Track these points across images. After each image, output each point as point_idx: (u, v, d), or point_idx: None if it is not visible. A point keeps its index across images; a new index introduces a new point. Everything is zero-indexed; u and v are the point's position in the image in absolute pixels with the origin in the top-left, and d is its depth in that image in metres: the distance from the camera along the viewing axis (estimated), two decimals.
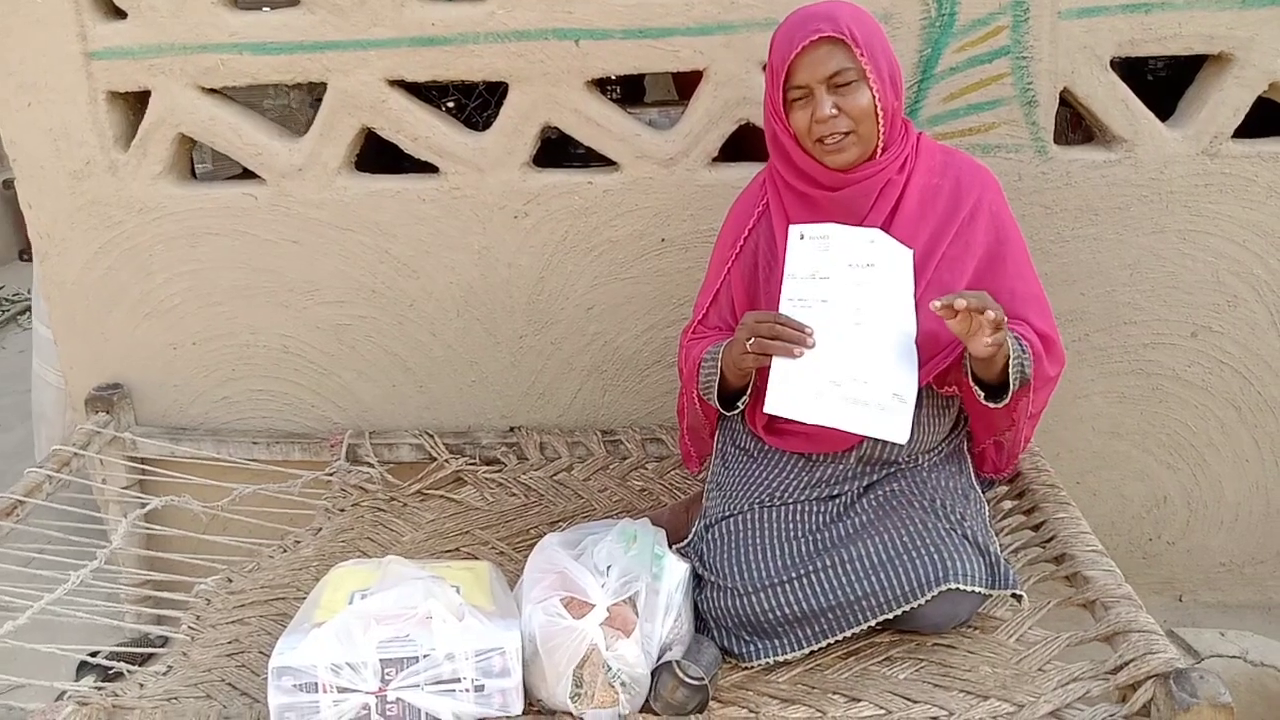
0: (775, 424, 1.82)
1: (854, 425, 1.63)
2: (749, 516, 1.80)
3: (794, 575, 1.68)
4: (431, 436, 2.46)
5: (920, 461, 1.83)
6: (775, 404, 1.64)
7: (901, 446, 1.78)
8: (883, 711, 1.57)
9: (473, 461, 2.44)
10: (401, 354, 2.51)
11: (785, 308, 1.66)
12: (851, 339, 1.63)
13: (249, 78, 2.31)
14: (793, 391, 1.62)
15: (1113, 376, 2.40)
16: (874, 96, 1.65)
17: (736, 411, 1.85)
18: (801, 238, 1.68)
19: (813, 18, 1.65)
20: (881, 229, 1.71)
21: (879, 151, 1.71)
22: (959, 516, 1.71)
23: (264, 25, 2.27)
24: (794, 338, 1.61)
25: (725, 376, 1.79)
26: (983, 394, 1.69)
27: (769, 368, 1.66)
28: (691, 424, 2.02)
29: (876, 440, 1.75)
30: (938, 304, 1.54)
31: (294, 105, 3.21)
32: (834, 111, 1.64)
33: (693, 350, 1.88)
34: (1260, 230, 2.26)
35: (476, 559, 2.09)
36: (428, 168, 2.38)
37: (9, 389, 4.27)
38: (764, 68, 2.19)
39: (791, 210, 1.79)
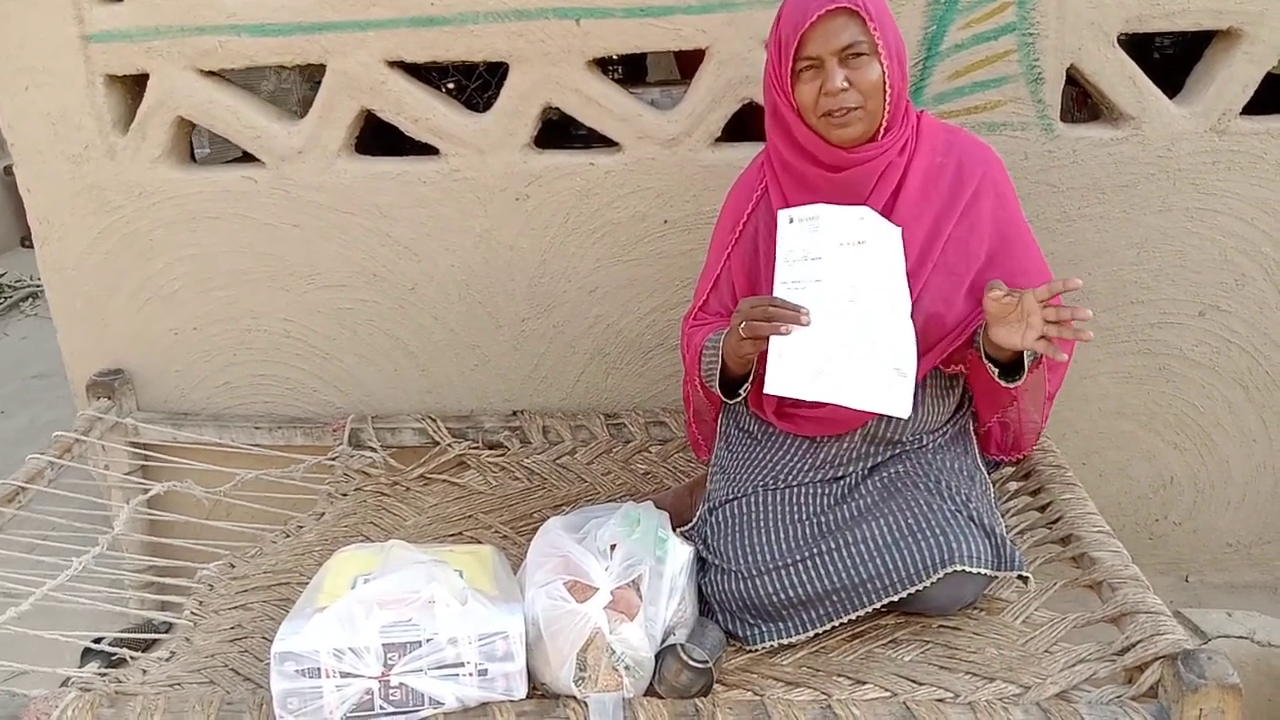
0: (785, 408, 1.81)
1: (855, 401, 1.62)
2: (753, 499, 1.80)
3: (798, 558, 1.67)
4: (434, 420, 2.45)
5: (925, 442, 1.82)
6: (774, 384, 1.63)
7: (906, 425, 1.77)
8: (888, 694, 1.56)
9: (475, 445, 2.43)
10: (403, 338, 2.50)
11: (780, 291, 1.65)
12: (847, 316, 1.62)
13: (247, 60, 2.29)
14: (791, 370, 1.62)
15: (1119, 356, 2.38)
16: (884, 71, 1.63)
17: (739, 399, 1.84)
18: (791, 221, 1.67)
19: None
20: (884, 211, 1.69)
21: (882, 131, 1.69)
22: (964, 498, 1.70)
23: (262, 6, 2.25)
24: (787, 317, 1.60)
25: (727, 364, 1.77)
26: (997, 371, 1.68)
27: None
28: (698, 410, 2.01)
29: (881, 419, 1.74)
30: (1000, 294, 1.54)
31: (286, 85, 3.19)
32: (845, 84, 1.62)
33: (694, 338, 1.86)
34: (1269, 208, 2.24)
35: (479, 543, 2.08)
36: (428, 150, 2.36)
37: (11, 376, 4.27)
38: (767, 45, 2.18)
39: (790, 193, 1.77)
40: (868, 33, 1.61)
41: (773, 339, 1.62)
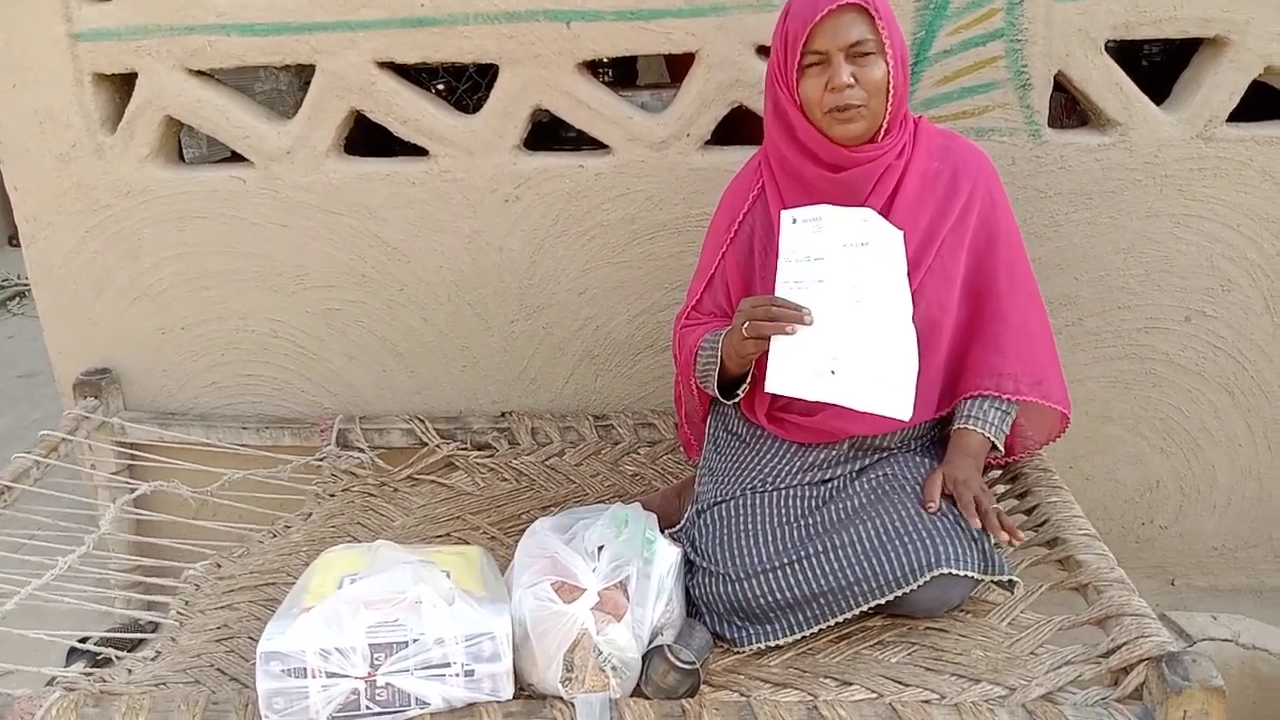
0: (776, 413, 1.81)
1: (856, 402, 1.62)
2: (741, 502, 1.80)
3: (786, 561, 1.67)
4: (422, 421, 2.45)
5: (913, 447, 1.83)
6: (775, 383, 1.63)
7: (894, 432, 1.78)
8: (874, 695, 1.56)
9: (464, 446, 2.43)
10: (392, 339, 2.49)
11: (782, 291, 1.65)
12: (850, 317, 1.62)
13: (236, 59, 2.29)
14: (792, 370, 1.62)
15: (1106, 361, 2.39)
16: (888, 71, 1.64)
17: (735, 400, 1.84)
18: (794, 221, 1.67)
19: None
20: (881, 213, 1.69)
21: (882, 133, 1.69)
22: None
23: (251, 6, 2.25)
24: (791, 317, 1.60)
25: (725, 365, 1.77)
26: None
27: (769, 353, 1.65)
28: (689, 411, 2.01)
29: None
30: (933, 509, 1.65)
31: (282, 88, 3.19)
32: (851, 81, 1.63)
33: (688, 338, 1.86)
34: (1254, 214, 2.26)
35: (467, 544, 2.08)
36: (417, 151, 2.36)
37: None
38: (757, 50, 2.19)
39: (788, 194, 1.77)
40: (875, 31, 1.62)
41: (775, 338, 1.62)
